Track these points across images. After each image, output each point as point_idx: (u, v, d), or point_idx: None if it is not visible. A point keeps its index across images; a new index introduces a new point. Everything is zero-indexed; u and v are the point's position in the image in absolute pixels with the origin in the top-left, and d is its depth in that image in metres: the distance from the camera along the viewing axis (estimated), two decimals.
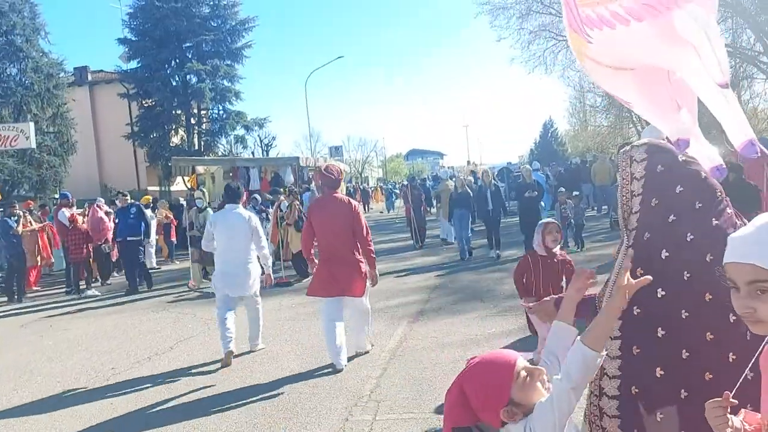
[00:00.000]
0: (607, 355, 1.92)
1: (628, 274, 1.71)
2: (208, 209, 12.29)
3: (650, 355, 1.89)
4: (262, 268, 7.11)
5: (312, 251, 6.51)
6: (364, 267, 6.22)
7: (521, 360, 1.70)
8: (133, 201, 12.82)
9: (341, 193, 7.11)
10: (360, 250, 6.23)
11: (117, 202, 13.71)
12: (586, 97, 29.51)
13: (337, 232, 6.19)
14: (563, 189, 14.42)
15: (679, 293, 1.88)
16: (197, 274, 12.02)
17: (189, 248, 12.63)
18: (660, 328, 1.88)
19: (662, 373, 1.88)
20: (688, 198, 1.94)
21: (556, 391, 1.66)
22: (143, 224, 12.52)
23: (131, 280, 12.11)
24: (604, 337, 1.70)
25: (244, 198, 10.57)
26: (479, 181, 14.89)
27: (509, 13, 22.38)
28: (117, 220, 12.79)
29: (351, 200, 6.51)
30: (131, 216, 12.32)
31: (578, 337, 1.72)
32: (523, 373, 1.66)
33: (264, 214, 13.88)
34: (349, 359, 6.26)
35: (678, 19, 1.91)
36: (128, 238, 12.14)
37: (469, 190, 13.44)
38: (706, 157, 2.19)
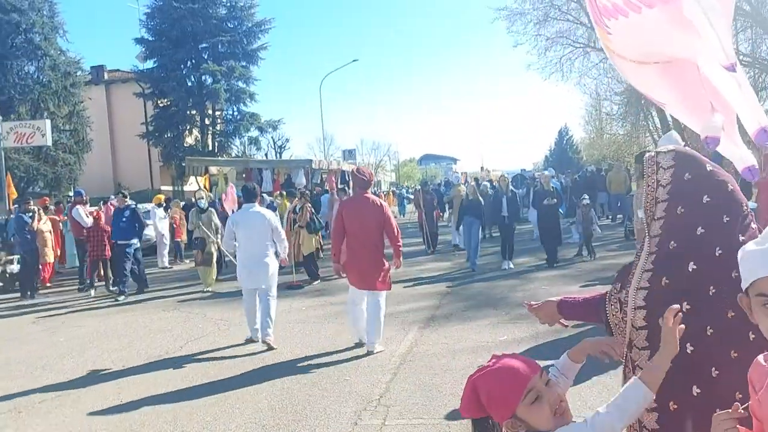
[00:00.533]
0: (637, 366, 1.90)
1: (673, 314, 1.67)
2: (211, 210, 12.13)
3: (681, 370, 1.85)
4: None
5: (340, 248, 6.95)
6: (387, 264, 6.82)
7: (537, 379, 1.65)
8: (129, 203, 12.36)
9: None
10: (390, 244, 6.94)
11: (115, 201, 13.23)
12: (603, 104, 29.35)
13: (367, 229, 6.72)
14: (587, 197, 14.27)
15: (705, 308, 1.83)
16: (206, 278, 11.70)
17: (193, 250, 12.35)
18: (689, 344, 1.83)
19: (698, 391, 1.84)
20: (715, 210, 1.89)
21: (600, 423, 1.62)
22: (136, 227, 11.99)
23: (120, 284, 11.56)
24: (661, 379, 1.68)
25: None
26: (495, 187, 14.71)
27: (526, 19, 22.34)
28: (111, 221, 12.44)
29: (381, 201, 7.07)
30: (124, 219, 11.81)
31: (638, 377, 1.69)
32: (533, 394, 1.63)
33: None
34: (359, 364, 6.25)
35: (685, 2, 1.90)
36: (118, 242, 11.69)
37: (479, 197, 12.87)
38: (739, 157, 2.14)
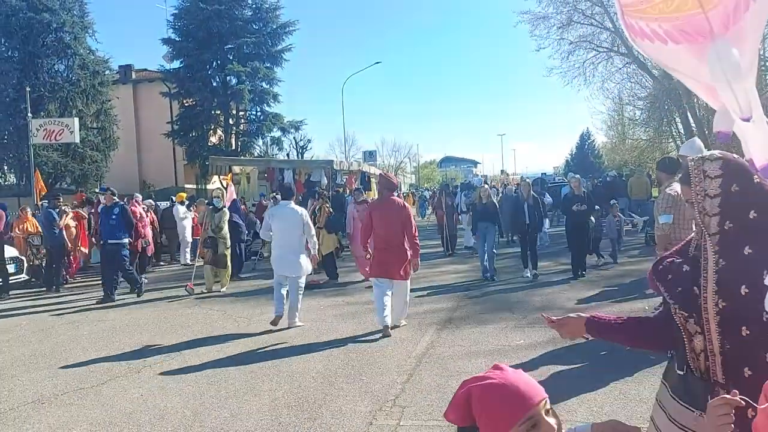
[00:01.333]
0: None
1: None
2: (225, 210, 11.95)
3: (742, 393, 1.81)
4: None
5: (368, 242, 8.23)
6: (410, 256, 7.78)
7: (540, 408, 1.51)
8: (118, 200, 11.76)
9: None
10: (408, 242, 7.75)
11: (102, 198, 12.39)
12: (625, 109, 29.08)
13: (392, 226, 7.72)
14: (615, 201, 14.20)
15: (761, 334, 1.76)
16: (210, 278, 11.56)
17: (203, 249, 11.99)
18: (747, 368, 1.80)
19: (754, 414, 1.82)
20: (763, 227, 1.81)
21: None
22: (126, 226, 11.35)
23: (108, 286, 11.13)
24: None
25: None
26: (516, 191, 13.93)
27: (549, 23, 22.27)
28: (99, 220, 12.01)
29: (404, 203, 8.18)
30: (113, 217, 11.21)
31: None
32: (531, 421, 1.50)
33: None
34: (375, 364, 6.31)
35: (708, 59, 1.90)
36: (109, 242, 11.20)
37: (495, 201, 12.33)
38: (761, 145, 2.11)
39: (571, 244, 11.70)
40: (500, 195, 17.32)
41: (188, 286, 11.39)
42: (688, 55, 2.01)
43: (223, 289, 11.54)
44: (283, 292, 8.21)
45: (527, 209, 11.64)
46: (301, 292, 8.36)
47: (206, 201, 17.61)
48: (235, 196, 13.93)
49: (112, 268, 11.26)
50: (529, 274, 11.38)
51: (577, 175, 12.33)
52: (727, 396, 1.38)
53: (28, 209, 14.65)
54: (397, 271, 7.69)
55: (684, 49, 1.99)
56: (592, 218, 11.48)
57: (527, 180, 14.35)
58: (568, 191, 11.95)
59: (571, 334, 2.31)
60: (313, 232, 8.57)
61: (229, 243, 11.82)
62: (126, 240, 11.39)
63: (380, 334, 7.48)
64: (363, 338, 7.48)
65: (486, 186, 13.93)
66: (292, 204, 8.52)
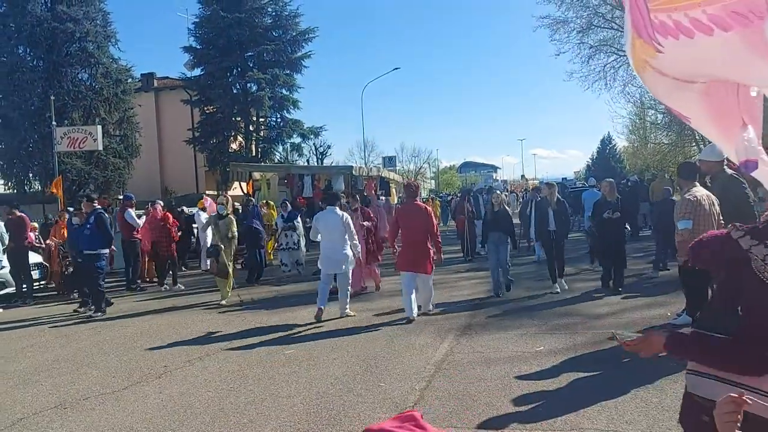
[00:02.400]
0: None
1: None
2: (230, 217, 11.58)
3: None
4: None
5: (395, 240, 9.73)
6: (433, 253, 8.89)
7: None
8: (96, 207, 10.90)
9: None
10: (430, 241, 8.86)
11: (82, 206, 11.41)
12: (647, 113, 28.79)
13: (417, 227, 8.82)
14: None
15: None
16: (225, 288, 11.20)
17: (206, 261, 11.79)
18: None
19: None
20: None
21: None
22: (104, 236, 10.62)
23: (96, 302, 10.55)
24: None
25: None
26: (538, 197, 12.88)
27: (569, 27, 22.17)
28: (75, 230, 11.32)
29: (426, 206, 9.37)
30: (88, 226, 10.49)
31: None
32: None
33: (292, 222, 14.03)
34: (394, 370, 6.30)
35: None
36: (85, 252, 10.52)
37: (507, 209, 11.11)
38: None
39: (604, 257, 10.55)
40: (520, 201, 16.95)
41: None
42: (735, 46, 1.86)
43: (224, 302, 11.00)
44: (327, 289, 9.17)
45: (552, 215, 10.68)
46: (350, 284, 9.39)
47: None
48: (238, 205, 14.00)
49: (86, 279, 10.70)
50: (558, 289, 10.32)
51: (610, 179, 10.89)
52: (735, 395, 1.35)
53: (67, 216, 14.82)
54: (422, 265, 8.77)
55: (732, 38, 1.84)
56: (628, 227, 10.33)
57: (553, 184, 12.74)
58: (599, 197, 10.64)
59: (649, 354, 2.16)
60: (354, 234, 9.39)
61: (233, 252, 11.51)
62: (105, 251, 10.73)
63: (405, 321, 8.59)
64: (382, 344, 7.47)
65: (498, 192, 12.56)
66: (336, 209, 9.40)
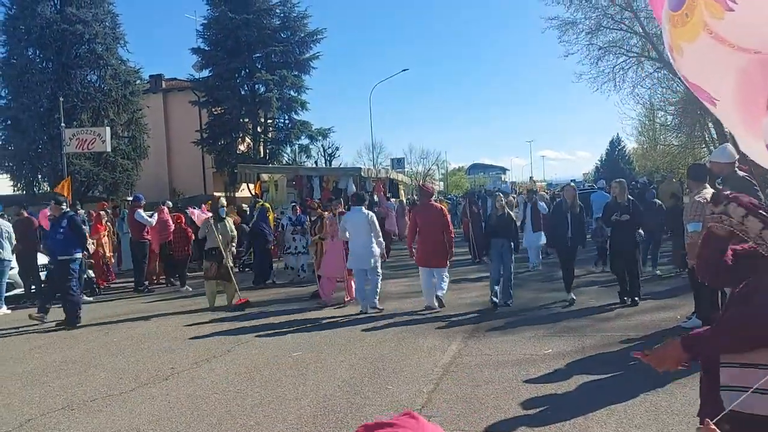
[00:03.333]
0: None
1: None
2: (228, 219, 11.27)
3: None
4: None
5: (413, 240, 10.36)
6: (446, 250, 9.66)
7: None
8: (67, 210, 10.39)
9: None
10: (445, 238, 9.64)
11: (48, 209, 10.94)
12: (657, 115, 28.63)
13: (432, 225, 9.68)
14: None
15: None
16: (214, 293, 10.85)
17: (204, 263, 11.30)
18: None
19: None
20: None
21: None
22: (78, 239, 10.09)
23: (70, 311, 9.81)
24: None
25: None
26: (557, 200, 11.81)
27: (578, 28, 22.06)
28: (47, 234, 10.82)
29: (442, 207, 10.41)
30: (61, 230, 9.90)
31: None
32: None
33: (300, 226, 13.90)
34: (402, 373, 6.27)
35: None
36: (59, 258, 9.93)
37: (510, 212, 10.24)
38: None
39: (613, 264, 9.73)
40: (530, 204, 16.42)
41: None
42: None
43: (233, 302, 10.75)
44: (365, 285, 9.89)
45: (570, 220, 9.68)
46: (380, 278, 10.02)
47: (235, 209, 17.71)
48: (245, 206, 13.87)
49: (60, 287, 9.96)
50: (573, 298, 9.58)
51: (621, 179, 10.17)
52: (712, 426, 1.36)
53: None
54: (438, 260, 9.61)
55: None
56: (641, 231, 9.45)
57: (572, 185, 11.41)
58: (612, 199, 9.92)
59: (672, 365, 2.07)
60: (379, 232, 10.09)
61: (233, 254, 11.26)
62: (78, 255, 10.10)
63: (425, 310, 9.54)
64: (390, 347, 7.45)
65: (500, 195, 11.52)
66: (362, 208, 10.15)
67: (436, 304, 9.55)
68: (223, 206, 11.42)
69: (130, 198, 24.00)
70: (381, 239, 10.21)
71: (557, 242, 10.05)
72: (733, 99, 2.12)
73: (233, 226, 11.32)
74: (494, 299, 9.56)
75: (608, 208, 9.73)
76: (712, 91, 2.15)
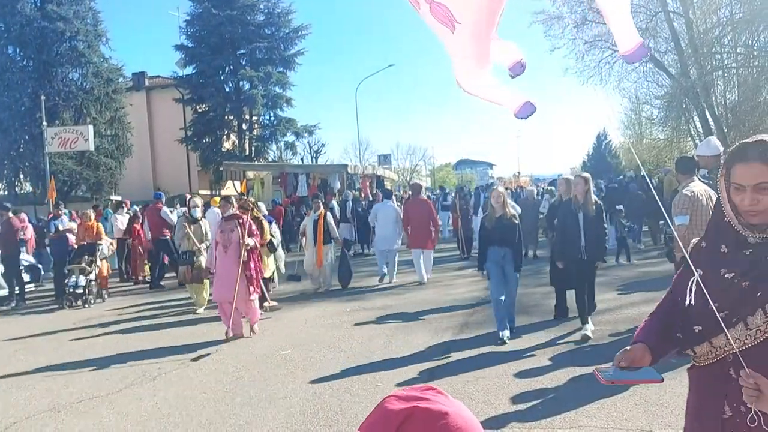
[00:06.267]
0: None
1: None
2: (203, 221, 10.57)
3: None
4: None
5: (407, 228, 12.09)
6: (433, 233, 11.95)
7: None
8: None
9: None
10: (432, 225, 11.94)
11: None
12: (642, 109, 28.80)
13: (421, 216, 11.80)
14: (621, 207, 13.36)
15: None
16: (198, 296, 10.23)
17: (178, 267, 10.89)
18: None
19: None
20: None
21: None
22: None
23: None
24: None
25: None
26: (564, 197, 8.31)
27: (564, 23, 22.08)
28: None
29: (429, 201, 12.89)
30: None
31: None
32: None
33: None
34: (391, 370, 6.25)
35: None
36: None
37: (513, 212, 7.70)
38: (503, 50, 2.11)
39: (553, 276, 8.11)
40: (537, 202, 15.87)
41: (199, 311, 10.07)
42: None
43: (200, 310, 10.08)
44: (384, 261, 12.09)
45: (583, 223, 7.08)
46: (397, 258, 12.27)
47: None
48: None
49: None
50: (589, 332, 6.99)
51: (568, 174, 8.11)
52: None
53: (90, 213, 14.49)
54: (426, 243, 11.77)
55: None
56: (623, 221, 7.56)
57: (584, 175, 7.47)
58: (555, 198, 7.76)
59: (638, 362, 2.04)
60: (401, 222, 12.03)
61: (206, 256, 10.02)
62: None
63: (418, 284, 11.52)
64: (378, 344, 7.42)
65: (499, 189, 7.95)
66: (391, 202, 12.75)
67: (425, 277, 11.66)
68: (196, 206, 10.49)
69: (114, 197, 23.81)
70: (402, 231, 12.28)
71: (566, 255, 7.32)
72: (475, 24, 2.16)
73: (208, 229, 10.38)
74: (503, 335, 7.07)
75: (553, 209, 7.99)
76: (457, 12, 2.13)
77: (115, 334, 8.91)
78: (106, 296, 12.26)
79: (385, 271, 12.00)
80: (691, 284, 1.96)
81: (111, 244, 13.22)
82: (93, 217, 13.06)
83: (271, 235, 10.00)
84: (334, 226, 11.81)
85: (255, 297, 8.37)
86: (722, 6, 19.86)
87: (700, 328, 1.92)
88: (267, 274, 9.96)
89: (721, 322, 1.80)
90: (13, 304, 11.97)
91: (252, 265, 8.30)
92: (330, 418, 5.06)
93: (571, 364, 6.05)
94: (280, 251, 11.31)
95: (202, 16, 30.38)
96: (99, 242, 12.29)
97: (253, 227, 8.54)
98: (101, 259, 12.23)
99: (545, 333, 7.43)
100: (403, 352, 6.98)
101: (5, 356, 8.01)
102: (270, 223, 10.64)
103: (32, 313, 11.19)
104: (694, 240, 2.12)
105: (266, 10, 31.73)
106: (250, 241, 8.26)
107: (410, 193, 14.57)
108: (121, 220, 14.71)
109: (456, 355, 6.71)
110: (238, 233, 8.18)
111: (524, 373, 5.89)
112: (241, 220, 8.34)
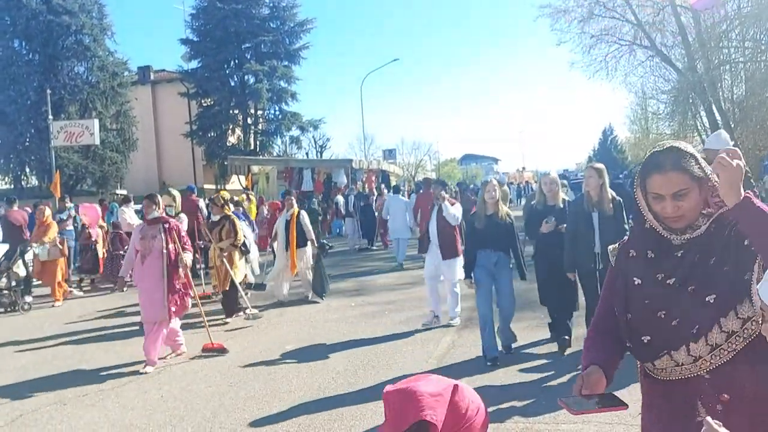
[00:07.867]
0: None
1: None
2: (181, 216, 9.96)
3: None
4: None
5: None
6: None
7: None
8: None
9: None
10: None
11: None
12: (649, 103, 28.63)
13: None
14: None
15: None
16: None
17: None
18: None
19: None
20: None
21: None
22: None
23: None
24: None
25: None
26: (577, 193, 8.19)
27: (570, 16, 21.93)
28: None
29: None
30: None
31: None
32: None
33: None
34: (395, 365, 6.26)
35: None
36: None
37: (508, 211, 6.59)
38: None
39: (543, 291, 6.74)
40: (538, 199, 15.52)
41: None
42: None
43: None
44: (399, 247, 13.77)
45: (599, 225, 5.90)
46: (408, 245, 13.66)
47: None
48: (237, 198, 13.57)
49: None
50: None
51: (550, 173, 7.20)
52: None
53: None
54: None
55: None
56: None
57: (597, 166, 6.17)
58: (536, 201, 6.97)
59: (597, 386, 1.97)
60: (411, 213, 13.65)
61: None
62: None
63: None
64: (384, 339, 7.43)
65: (494, 181, 6.71)
66: (399, 196, 14.96)
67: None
68: (171, 206, 9.58)
69: (119, 191, 23.87)
70: (411, 222, 13.78)
71: (581, 259, 6.00)
72: None
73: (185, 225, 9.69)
74: (490, 354, 6.10)
75: (534, 213, 6.71)
76: None
77: (122, 328, 8.93)
78: (27, 306, 10.74)
79: (395, 254, 13.79)
80: (627, 293, 1.94)
81: (60, 243, 11.46)
82: (47, 213, 11.64)
83: (244, 236, 9.15)
84: (310, 227, 10.08)
85: (177, 322, 7.09)
86: (730, 0, 19.71)
87: (649, 337, 1.89)
88: (239, 279, 8.98)
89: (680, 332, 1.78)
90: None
91: (177, 278, 6.87)
92: (333, 412, 5.07)
93: (575, 360, 6.00)
94: (254, 252, 10.37)
95: (208, 9, 30.37)
96: (33, 244, 11.12)
97: (184, 235, 7.09)
98: (42, 261, 11.03)
99: (547, 331, 7.39)
100: (406, 347, 6.98)
101: (11, 349, 8.05)
102: (242, 220, 9.94)
103: (37, 307, 11.22)
104: (611, 246, 2.10)
105: (271, 4, 31.70)
106: (188, 258, 6.88)
107: (414, 187, 16.10)
108: (130, 215, 14.69)
109: (460, 351, 6.71)
110: (162, 241, 6.77)
111: (527, 369, 5.89)
112: (167, 225, 6.93)
